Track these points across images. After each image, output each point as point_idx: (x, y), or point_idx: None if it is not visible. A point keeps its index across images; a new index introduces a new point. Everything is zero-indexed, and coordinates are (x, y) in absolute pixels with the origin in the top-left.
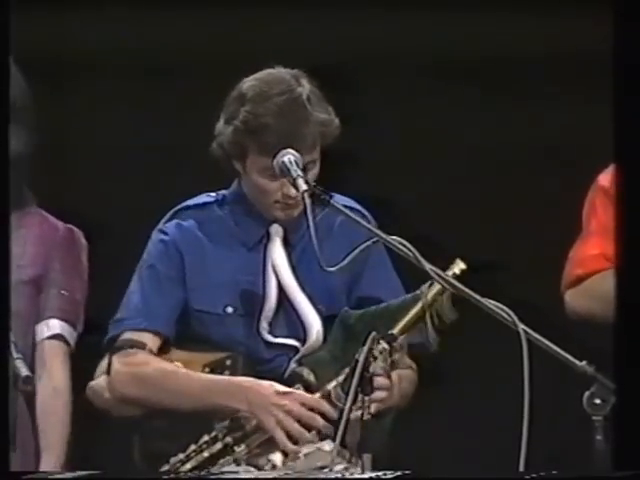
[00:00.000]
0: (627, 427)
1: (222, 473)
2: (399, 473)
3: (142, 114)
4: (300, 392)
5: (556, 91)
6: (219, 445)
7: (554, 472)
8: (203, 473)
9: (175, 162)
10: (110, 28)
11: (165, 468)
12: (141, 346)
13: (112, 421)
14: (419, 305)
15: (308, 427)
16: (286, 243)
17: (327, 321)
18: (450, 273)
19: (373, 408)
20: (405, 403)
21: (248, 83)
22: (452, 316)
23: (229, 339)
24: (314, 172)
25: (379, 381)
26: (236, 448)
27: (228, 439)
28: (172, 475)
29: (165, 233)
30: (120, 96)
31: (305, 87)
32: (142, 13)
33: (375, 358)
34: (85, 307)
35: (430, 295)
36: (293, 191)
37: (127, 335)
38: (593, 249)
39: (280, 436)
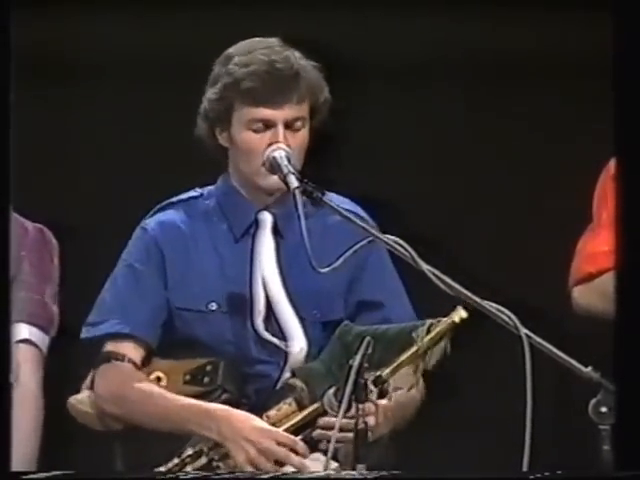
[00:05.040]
0: (627, 427)
1: (221, 473)
2: (385, 473)
3: (123, 114)
4: (277, 430)
5: (556, 91)
6: (203, 460)
7: (556, 472)
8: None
9: (156, 162)
10: (110, 28)
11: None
12: (121, 358)
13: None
14: (413, 349)
15: (281, 464)
16: (276, 233)
17: (324, 328)
18: (449, 321)
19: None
20: (405, 425)
21: (233, 46)
22: (435, 361)
23: (215, 338)
24: (302, 135)
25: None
26: (221, 464)
27: (213, 454)
28: (168, 476)
29: (145, 230)
30: (101, 96)
31: (292, 51)
32: (142, 13)
33: (367, 398)
34: (59, 309)
35: (426, 340)
36: (281, 137)
37: (107, 346)
38: (604, 245)
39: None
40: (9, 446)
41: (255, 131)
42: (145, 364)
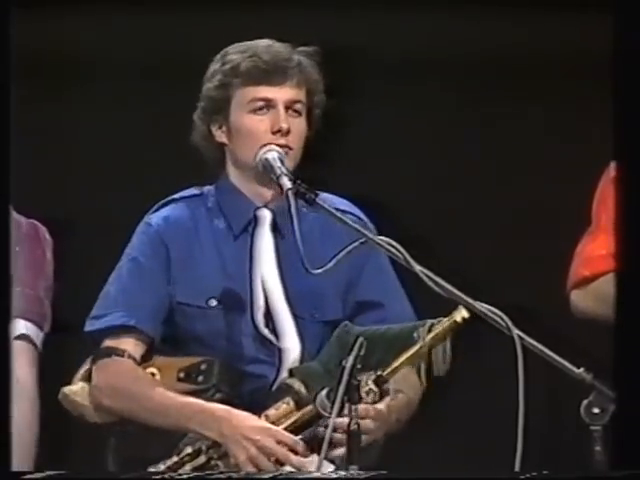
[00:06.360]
0: (625, 427)
1: (221, 473)
2: (374, 473)
3: (122, 114)
4: (277, 429)
5: (555, 91)
6: (202, 459)
7: (548, 472)
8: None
9: (154, 161)
10: (109, 28)
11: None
12: (121, 353)
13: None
14: (414, 349)
15: (280, 463)
16: (275, 230)
17: (323, 327)
18: (451, 320)
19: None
20: (399, 427)
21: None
22: (443, 368)
23: (213, 334)
24: (301, 122)
25: (364, 424)
26: (219, 463)
27: (212, 453)
28: (166, 475)
29: (150, 225)
30: (100, 95)
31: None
32: (141, 13)
33: (361, 398)
34: (52, 305)
35: (428, 339)
36: (284, 125)
37: (108, 341)
38: (601, 248)
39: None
40: (9, 446)
41: (256, 112)
42: (145, 359)
